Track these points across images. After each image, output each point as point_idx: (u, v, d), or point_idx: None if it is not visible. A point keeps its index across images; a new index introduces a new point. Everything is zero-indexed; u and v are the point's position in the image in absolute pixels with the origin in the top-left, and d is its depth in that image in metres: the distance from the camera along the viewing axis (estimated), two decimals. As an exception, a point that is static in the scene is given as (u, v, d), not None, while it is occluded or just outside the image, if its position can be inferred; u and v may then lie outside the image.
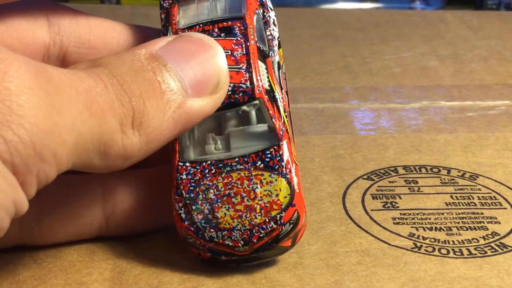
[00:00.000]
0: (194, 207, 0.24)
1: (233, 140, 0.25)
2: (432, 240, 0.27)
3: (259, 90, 0.25)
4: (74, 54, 0.26)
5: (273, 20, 0.27)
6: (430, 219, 0.29)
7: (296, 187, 0.24)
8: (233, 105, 0.25)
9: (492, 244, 0.27)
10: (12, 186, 0.19)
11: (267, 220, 0.23)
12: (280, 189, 0.24)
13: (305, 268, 0.25)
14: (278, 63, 0.26)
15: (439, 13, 0.61)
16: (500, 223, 0.29)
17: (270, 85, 0.25)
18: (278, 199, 0.24)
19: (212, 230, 0.24)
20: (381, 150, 0.34)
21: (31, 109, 0.19)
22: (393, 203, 0.30)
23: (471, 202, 0.30)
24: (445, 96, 0.41)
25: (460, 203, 0.30)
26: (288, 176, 0.24)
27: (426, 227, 0.28)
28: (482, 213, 0.29)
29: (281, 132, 0.25)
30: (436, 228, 0.28)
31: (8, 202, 0.19)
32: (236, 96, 0.25)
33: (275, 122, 0.25)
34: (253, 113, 0.25)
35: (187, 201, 0.24)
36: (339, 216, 0.29)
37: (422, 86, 0.42)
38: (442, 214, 0.29)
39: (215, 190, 0.24)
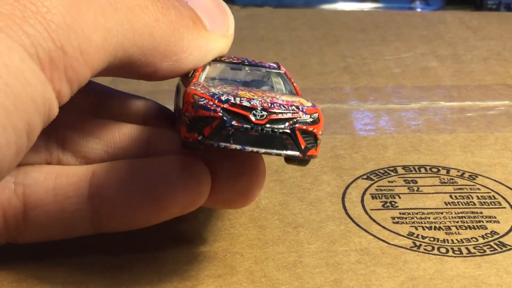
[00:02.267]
0: (212, 87, 0.23)
1: None
2: (431, 239, 0.27)
3: (284, 70, 0.26)
4: None
5: None
6: (429, 218, 0.29)
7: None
8: (259, 67, 0.26)
9: (491, 243, 0.27)
10: (40, 80, 0.19)
11: (289, 103, 0.22)
12: (303, 100, 0.23)
13: (304, 266, 0.26)
14: None
15: (439, 13, 0.61)
16: (499, 222, 0.29)
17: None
18: (301, 102, 0.23)
19: (230, 96, 0.22)
20: (381, 150, 0.34)
21: (44, 7, 0.19)
22: (393, 203, 0.30)
23: (470, 202, 0.30)
24: (444, 97, 0.41)
25: (459, 203, 0.30)
26: (311, 102, 0.23)
27: (425, 226, 0.28)
28: (481, 213, 0.29)
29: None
30: (435, 227, 0.28)
31: (38, 97, 0.19)
32: (263, 63, 0.26)
33: (297, 90, 0.25)
34: (275, 80, 0.26)
35: (205, 85, 0.23)
36: (339, 215, 0.29)
37: (422, 86, 0.42)
38: (442, 213, 0.29)
39: (236, 86, 0.24)
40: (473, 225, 0.28)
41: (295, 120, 0.22)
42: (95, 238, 0.27)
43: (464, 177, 0.32)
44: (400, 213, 0.29)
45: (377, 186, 0.31)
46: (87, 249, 0.26)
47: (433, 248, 0.27)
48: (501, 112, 0.39)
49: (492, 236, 0.28)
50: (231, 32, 0.26)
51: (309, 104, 0.23)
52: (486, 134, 0.36)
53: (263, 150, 0.22)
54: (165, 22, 0.22)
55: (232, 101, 0.22)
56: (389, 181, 0.32)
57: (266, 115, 0.22)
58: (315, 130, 0.22)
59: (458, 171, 0.32)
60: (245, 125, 0.21)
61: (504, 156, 0.34)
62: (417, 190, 0.31)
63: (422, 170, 0.33)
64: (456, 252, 0.27)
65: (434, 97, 0.40)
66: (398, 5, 0.71)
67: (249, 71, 0.26)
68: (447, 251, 0.27)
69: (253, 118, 0.22)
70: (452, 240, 0.27)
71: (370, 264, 0.26)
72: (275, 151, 0.22)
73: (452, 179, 0.32)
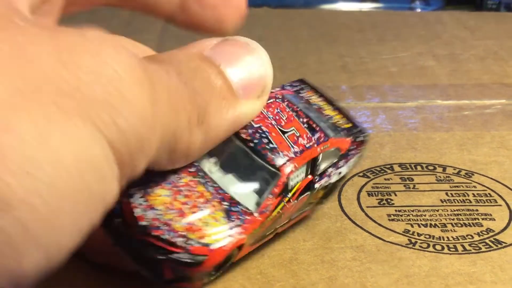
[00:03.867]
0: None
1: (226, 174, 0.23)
2: (427, 236, 0.27)
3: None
4: None
5: None
6: (425, 215, 0.29)
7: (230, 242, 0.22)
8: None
9: (487, 241, 0.27)
10: (114, 176, 0.18)
11: (181, 235, 0.21)
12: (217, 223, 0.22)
13: (300, 263, 0.26)
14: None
15: (436, 13, 0.61)
16: (494, 219, 0.29)
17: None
18: (202, 235, 0.22)
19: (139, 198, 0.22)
20: (377, 148, 0.34)
21: (138, 98, 0.18)
22: (389, 200, 0.30)
23: (466, 199, 0.30)
24: (441, 95, 0.41)
25: (455, 200, 0.30)
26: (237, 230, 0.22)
27: (421, 224, 0.28)
28: (477, 210, 0.29)
29: (265, 209, 0.23)
30: (431, 224, 0.28)
31: (107, 192, 0.18)
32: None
33: (270, 198, 0.23)
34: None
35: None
36: (335, 212, 0.29)
37: (419, 85, 0.42)
38: (437, 211, 0.29)
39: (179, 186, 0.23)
40: (468, 223, 0.28)
41: (167, 253, 0.21)
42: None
43: (460, 175, 0.32)
44: (396, 211, 0.29)
45: (373, 184, 0.31)
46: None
47: (428, 245, 0.27)
48: (498, 110, 0.39)
49: (488, 233, 0.28)
50: (266, 92, 0.24)
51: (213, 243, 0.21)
52: (483, 133, 0.36)
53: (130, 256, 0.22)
54: (193, 122, 0.21)
55: (133, 203, 0.22)
56: (385, 179, 0.32)
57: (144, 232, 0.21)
58: (186, 272, 0.22)
59: (454, 169, 0.32)
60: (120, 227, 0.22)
61: (500, 154, 0.34)
62: (413, 188, 0.31)
63: (419, 168, 0.33)
64: (451, 249, 0.27)
65: (431, 96, 0.41)
66: (398, 5, 0.71)
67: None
68: (443, 248, 0.27)
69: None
70: (447, 237, 0.27)
71: (366, 261, 0.26)
72: (136, 265, 0.22)
73: (448, 176, 0.32)
